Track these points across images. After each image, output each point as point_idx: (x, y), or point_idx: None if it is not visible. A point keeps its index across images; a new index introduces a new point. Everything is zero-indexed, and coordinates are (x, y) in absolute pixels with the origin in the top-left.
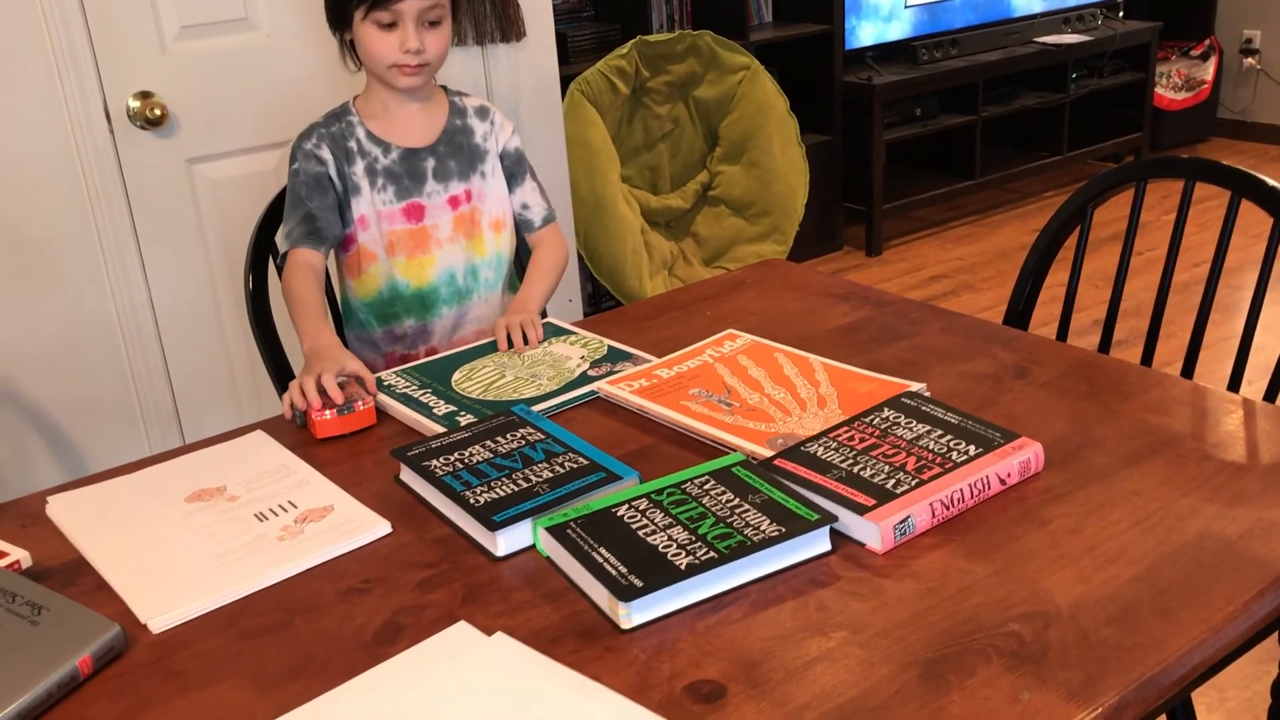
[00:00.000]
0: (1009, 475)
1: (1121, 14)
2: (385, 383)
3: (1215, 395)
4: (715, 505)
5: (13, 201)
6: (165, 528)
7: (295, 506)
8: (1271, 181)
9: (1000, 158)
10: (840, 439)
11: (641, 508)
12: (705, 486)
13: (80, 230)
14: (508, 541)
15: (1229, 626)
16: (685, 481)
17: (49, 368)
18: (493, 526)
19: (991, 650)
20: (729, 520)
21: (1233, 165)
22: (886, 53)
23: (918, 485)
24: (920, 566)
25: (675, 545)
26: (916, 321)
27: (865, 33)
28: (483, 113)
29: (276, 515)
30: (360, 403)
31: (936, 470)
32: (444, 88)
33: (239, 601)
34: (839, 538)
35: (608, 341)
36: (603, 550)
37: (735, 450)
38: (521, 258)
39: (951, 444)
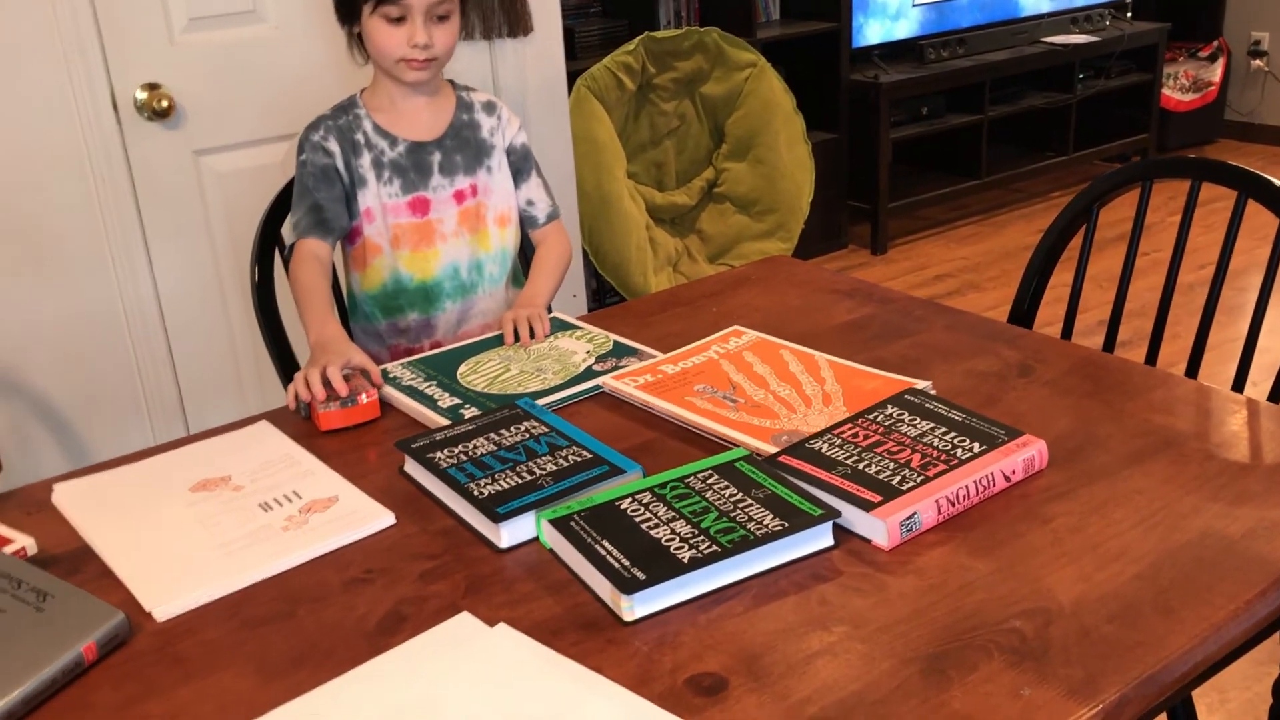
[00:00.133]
0: (1013, 472)
1: (1129, 15)
2: (391, 374)
3: (1219, 395)
4: (718, 499)
5: (20, 192)
6: (170, 517)
7: (300, 497)
8: (1278, 182)
9: (1006, 157)
10: (844, 436)
11: (645, 501)
12: (709, 481)
13: (87, 221)
14: (511, 533)
15: (1230, 625)
16: (689, 476)
17: (55, 357)
18: (497, 518)
19: (993, 646)
20: (732, 514)
21: (1239, 165)
22: (893, 51)
23: (923, 482)
24: (923, 563)
25: (678, 539)
26: (920, 319)
27: (872, 31)
28: (489, 108)
29: (281, 505)
30: (364, 395)
31: (942, 467)
32: (451, 82)
33: (243, 590)
34: (842, 533)
35: (613, 337)
36: (605, 543)
37: (740, 447)
38: (525, 253)
39: (956, 441)
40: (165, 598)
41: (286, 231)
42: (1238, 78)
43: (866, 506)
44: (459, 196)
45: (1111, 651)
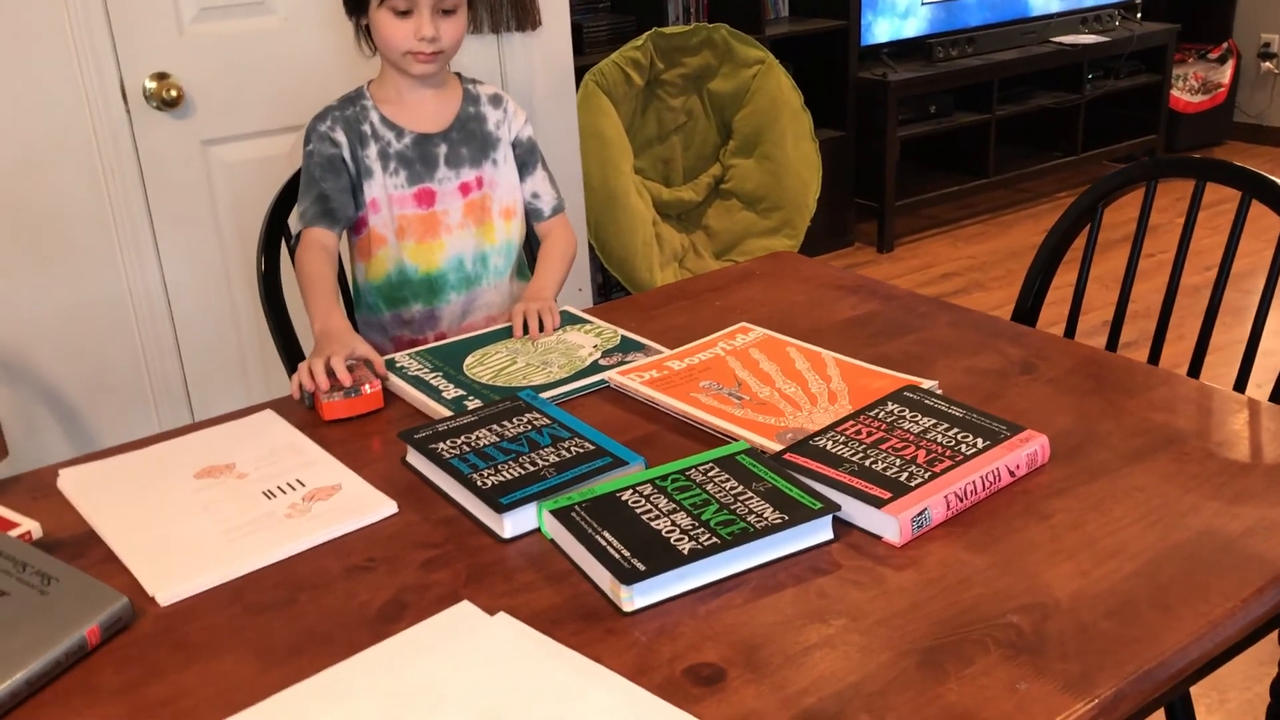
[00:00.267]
0: (1018, 467)
1: (1139, 15)
2: (397, 364)
3: (1220, 394)
4: (719, 492)
5: (29, 180)
6: (174, 503)
7: (303, 485)
8: None
9: (1014, 157)
10: (848, 433)
11: (646, 493)
12: (710, 473)
13: (95, 210)
14: (514, 524)
15: (1227, 622)
16: (690, 468)
17: (62, 344)
18: (500, 509)
19: (990, 640)
20: (732, 507)
21: (1244, 166)
22: (902, 50)
23: (931, 478)
24: (921, 557)
25: (678, 530)
26: (924, 315)
27: (881, 29)
28: (496, 100)
29: (284, 493)
30: (368, 386)
31: (947, 463)
32: (458, 75)
33: (245, 576)
34: (842, 527)
35: (621, 331)
36: (606, 534)
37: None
38: (531, 246)
39: (959, 437)
40: (168, 583)
41: (293, 221)
42: (1247, 79)
43: (878, 503)
44: (464, 189)
45: (1108, 647)
